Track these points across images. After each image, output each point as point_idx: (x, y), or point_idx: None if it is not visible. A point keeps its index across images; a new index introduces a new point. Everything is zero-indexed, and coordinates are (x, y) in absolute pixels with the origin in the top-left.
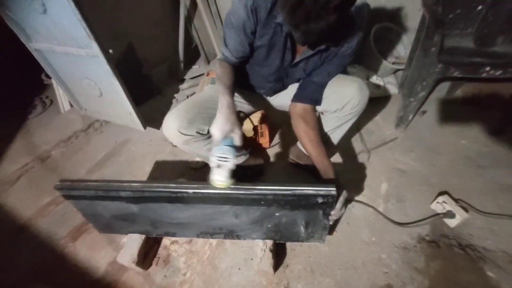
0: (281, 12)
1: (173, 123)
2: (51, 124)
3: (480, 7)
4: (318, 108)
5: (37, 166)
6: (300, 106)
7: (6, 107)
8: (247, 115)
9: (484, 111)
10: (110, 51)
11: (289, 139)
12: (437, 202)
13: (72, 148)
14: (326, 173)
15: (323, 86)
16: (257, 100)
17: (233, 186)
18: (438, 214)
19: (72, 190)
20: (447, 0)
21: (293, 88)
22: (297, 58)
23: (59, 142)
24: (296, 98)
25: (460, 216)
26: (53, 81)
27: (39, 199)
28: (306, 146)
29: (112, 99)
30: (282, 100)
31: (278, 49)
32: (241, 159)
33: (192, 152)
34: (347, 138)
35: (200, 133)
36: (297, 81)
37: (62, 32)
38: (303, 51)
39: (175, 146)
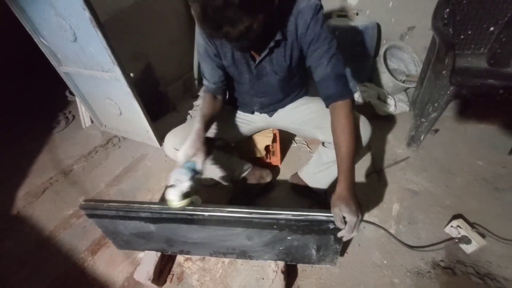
0: (198, 26)
1: (169, 141)
2: (74, 139)
3: (492, 28)
4: (320, 137)
5: (60, 179)
6: (337, 106)
7: (33, 122)
8: (229, 143)
9: (502, 130)
10: (131, 74)
11: (299, 155)
12: (451, 226)
13: (92, 162)
14: (353, 182)
15: (337, 76)
16: (259, 121)
17: (242, 210)
18: (452, 238)
19: (96, 210)
20: (458, 22)
21: (293, 109)
22: (256, 62)
23: (81, 157)
24: (327, 101)
25: (476, 242)
26: (77, 99)
27: (62, 211)
28: (346, 149)
29: (131, 118)
30: (283, 121)
31: (241, 62)
32: (193, 184)
33: None
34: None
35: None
36: (280, 89)
37: (89, 57)
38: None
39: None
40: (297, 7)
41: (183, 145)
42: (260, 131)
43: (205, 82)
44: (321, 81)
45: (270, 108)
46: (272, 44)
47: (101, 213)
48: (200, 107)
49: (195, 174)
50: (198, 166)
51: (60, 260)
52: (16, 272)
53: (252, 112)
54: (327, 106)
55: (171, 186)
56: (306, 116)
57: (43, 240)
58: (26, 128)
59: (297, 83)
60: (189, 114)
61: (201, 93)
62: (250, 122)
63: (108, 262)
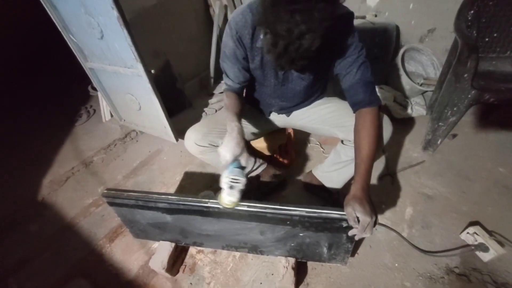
0: (267, 55)
1: (191, 136)
2: (94, 132)
3: None
4: (339, 135)
5: (81, 170)
6: (364, 111)
7: (57, 115)
8: (248, 142)
9: None
10: (152, 71)
11: (311, 155)
12: (468, 233)
13: (111, 155)
14: (368, 184)
15: (366, 83)
16: (276, 120)
17: (257, 205)
18: (468, 245)
19: (116, 198)
20: (483, 24)
21: (311, 109)
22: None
23: (100, 149)
24: (355, 107)
25: (494, 250)
26: (99, 94)
27: (82, 200)
28: (366, 151)
29: (150, 113)
30: (301, 120)
31: (269, 67)
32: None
33: (211, 162)
34: None
35: (213, 145)
36: (303, 94)
37: (113, 54)
38: None
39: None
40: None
41: (225, 145)
42: (276, 130)
43: (228, 81)
44: (350, 88)
45: (287, 110)
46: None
47: (121, 202)
48: (227, 105)
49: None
50: (244, 164)
51: (79, 246)
52: (39, 255)
53: (269, 114)
54: (354, 112)
55: (231, 187)
56: (325, 115)
57: (65, 226)
58: (51, 120)
59: (319, 88)
60: (204, 111)
61: (216, 91)
62: (267, 121)
63: (124, 250)
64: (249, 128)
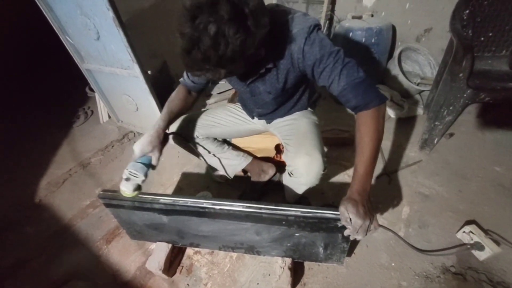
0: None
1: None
2: (92, 133)
3: None
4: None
5: (79, 171)
6: (362, 114)
7: (55, 116)
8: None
9: None
10: (149, 72)
11: None
12: (464, 232)
13: (108, 156)
14: (365, 189)
15: (355, 86)
16: (259, 124)
17: (252, 205)
18: (464, 244)
19: (113, 200)
20: (478, 23)
21: (286, 122)
22: (248, 82)
23: (98, 151)
24: (354, 111)
25: (490, 249)
26: (96, 95)
27: (79, 201)
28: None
29: (147, 114)
30: (276, 131)
31: (236, 78)
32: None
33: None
34: None
35: (189, 137)
36: (276, 105)
37: (110, 55)
38: None
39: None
40: (290, 33)
41: (139, 140)
42: (260, 133)
43: (185, 75)
44: (340, 96)
45: (268, 116)
46: (262, 70)
47: (117, 203)
48: (170, 99)
49: (149, 169)
50: (154, 162)
51: (77, 248)
52: (36, 257)
53: (253, 117)
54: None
55: (127, 179)
56: (289, 130)
57: (62, 228)
58: (48, 121)
59: (297, 99)
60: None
61: (214, 92)
62: (251, 123)
63: (121, 251)
64: (233, 125)
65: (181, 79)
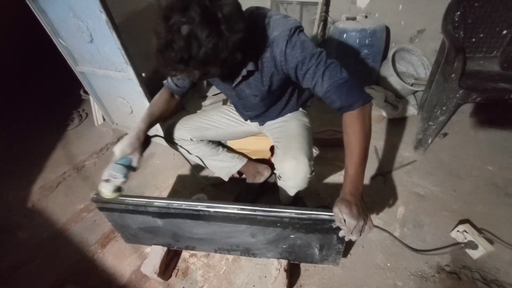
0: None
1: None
2: (86, 136)
3: (505, 32)
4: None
5: (73, 174)
6: (346, 116)
7: (49, 119)
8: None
9: None
10: (143, 74)
11: None
12: (458, 231)
13: (103, 159)
14: (358, 189)
15: (338, 86)
16: (252, 126)
17: (247, 207)
18: (458, 243)
19: (106, 203)
20: (469, 25)
21: (278, 124)
22: (233, 85)
23: (92, 153)
24: (339, 112)
25: (483, 248)
26: (90, 97)
27: (74, 205)
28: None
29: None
30: (269, 132)
31: (222, 82)
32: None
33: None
34: None
35: (183, 139)
36: (264, 107)
37: (103, 58)
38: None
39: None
40: (270, 36)
41: (120, 142)
42: (254, 135)
43: (168, 79)
44: (324, 97)
45: (259, 119)
46: (244, 73)
47: (111, 207)
48: (152, 102)
49: (129, 171)
50: (134, 164)
51: (71, 252)
52: (29, 262)
53: (245, 120)
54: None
55: (106, 180)
56: (278, 138)
57: (56, 232)
58: (42, 124)
59: (286, 100)
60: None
61: (209, 94)
62: (245, 125)
63: (116, 255)
64: (228, 129)
65: (164, 81)
